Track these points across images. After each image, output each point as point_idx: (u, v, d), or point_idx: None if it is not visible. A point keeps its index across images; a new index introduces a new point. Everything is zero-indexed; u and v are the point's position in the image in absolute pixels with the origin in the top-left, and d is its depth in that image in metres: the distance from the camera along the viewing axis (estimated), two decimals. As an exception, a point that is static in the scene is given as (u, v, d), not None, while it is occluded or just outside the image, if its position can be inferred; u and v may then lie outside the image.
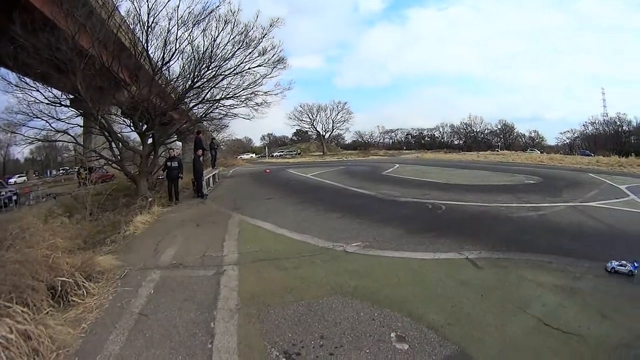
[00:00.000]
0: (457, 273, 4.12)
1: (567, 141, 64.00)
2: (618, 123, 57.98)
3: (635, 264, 4.19)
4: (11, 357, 2.40)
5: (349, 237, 5.59)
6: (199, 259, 4.86)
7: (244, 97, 13.96)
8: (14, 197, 15.82)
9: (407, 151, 63.99)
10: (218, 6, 11.70)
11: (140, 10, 10.42)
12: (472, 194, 10.10)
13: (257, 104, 14.53)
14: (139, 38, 10.90)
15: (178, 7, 10.73)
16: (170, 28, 10.86)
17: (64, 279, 3.53)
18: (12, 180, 32.84)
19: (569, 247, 5.06)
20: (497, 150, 52.48)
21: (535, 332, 2.87)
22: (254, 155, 62.61)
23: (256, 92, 14.07)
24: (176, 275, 4.29)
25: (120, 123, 13.53)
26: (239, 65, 12.80)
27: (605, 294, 3.58)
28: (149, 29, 10.55)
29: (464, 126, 75.01)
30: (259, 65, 13.22)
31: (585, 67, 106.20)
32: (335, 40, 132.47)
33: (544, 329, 2.92)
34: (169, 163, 10.49)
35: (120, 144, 11.87)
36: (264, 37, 12.67)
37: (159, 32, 10.96)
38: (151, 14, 10.44)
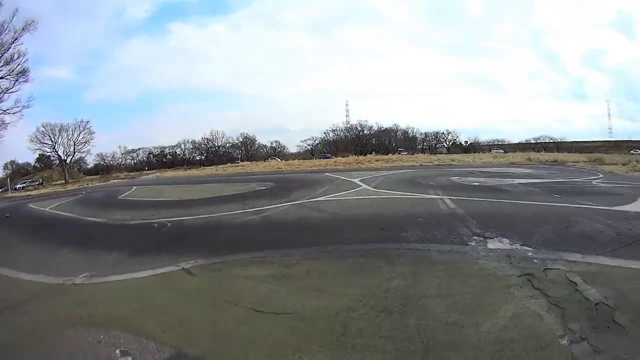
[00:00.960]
0: (173, 284, 4.47)
1: (309, 147, 69.80)
2: (359, 128, 68.22)
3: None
4: None
5: (78, 270, 5.58)
6: None
7: (-20, 118, 10.63)
8: None
9: (148, 171, 60.06)
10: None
11: None
12: (200, 207, 10.60)
13: (-6, 126, 11.39)
14: None
15: None
16: None
17: None
18: None
19: (286, 240, 5.72)
20: (238, 162, 54.28)
21: (247, 320, 3.17)
22: None
23: (-4, 112, 10.96)
24: None
25: None
26: (-18, 77, 9.42)
27: (323, 273, 3.98)
28: None
29: (205, 141, 73.42)
30: (1, 78, 10.21)
31: (330, 83, 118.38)
32: (89, 50, 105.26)
33: (256, 315, 3.23)
34: None
35: None
36: (14, 41, 9.87)
37: None
38: None
